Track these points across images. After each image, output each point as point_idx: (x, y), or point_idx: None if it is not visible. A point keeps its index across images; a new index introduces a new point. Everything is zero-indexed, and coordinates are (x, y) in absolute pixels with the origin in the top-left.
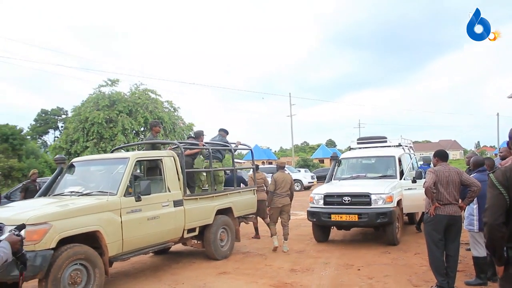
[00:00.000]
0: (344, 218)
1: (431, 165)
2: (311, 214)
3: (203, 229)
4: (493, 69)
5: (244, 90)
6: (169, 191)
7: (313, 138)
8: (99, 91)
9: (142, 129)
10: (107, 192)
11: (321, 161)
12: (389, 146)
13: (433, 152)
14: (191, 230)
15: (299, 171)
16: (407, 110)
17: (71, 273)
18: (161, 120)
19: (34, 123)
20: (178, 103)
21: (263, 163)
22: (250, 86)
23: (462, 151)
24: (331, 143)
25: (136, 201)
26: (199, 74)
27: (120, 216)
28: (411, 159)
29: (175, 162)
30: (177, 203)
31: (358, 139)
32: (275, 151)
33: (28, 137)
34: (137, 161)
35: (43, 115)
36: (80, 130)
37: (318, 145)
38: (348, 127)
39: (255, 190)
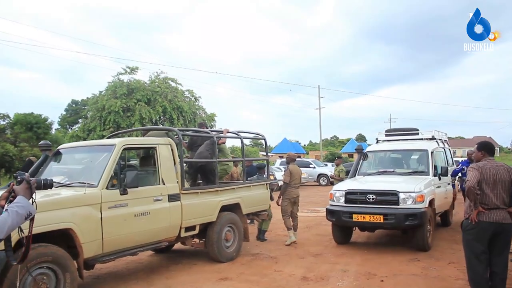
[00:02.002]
0: (368, 218)
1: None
2: (330, 213)
3: (206, 227)
4: None
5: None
6: (163, 184)
7: (343, 133)
8: (118, 79)
9: (160, 118)
10: (86, 184)
11: (351, 155)
12: (421, 139)
13: (473, 147)
14: (190, 228)
15: (326, 165)
16: (440, 105)
17: (36, 278)
18: (180, 109)
19: (64, 113)
20: (201, 94)
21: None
22: (281, 80)
23: (498, 149)
24: (361, 138)
25: (121, 194)
26: (229, 67)
27: (101, 211)
28: (445, 153)
29: (172, 150)
30: (173, 198)
31: (386, 131)
32: (304, 145)
33: (58, 127)
34: (124, 148)
35: (74, 105)
36: (97, 119)
37: (348, 140)
38: (379, 122)
39: (268, 184)
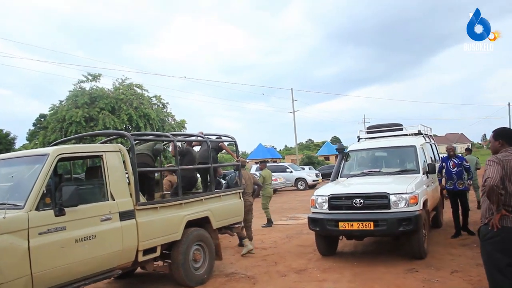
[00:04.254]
0: (356, 226)
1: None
2: (313, 222)
3: (169, 247)
4: (498, 62)
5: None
6: (113, 200)
7: (318, 136)
8: (79, 87)
9: (125, 127)
10: (7, 205)
11: (327, 158)
12: (406, 135)
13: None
14: (150, 250)
15: (303, 169)
16: (412, 104)
17: None
18: (147, 117)
19: (32, 128)
20: (172, 102)
21: (267, 161)
22: (252, 85)
23: (470, 144)
24: (336, 140)
25: (56, 215)
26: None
27: (28, 239)
28: (432, 149)
29: (123, 159)
30: (126, 216)
31: (368, 128)
32: (280, 150)
33: (26, 142)
34: (60, 159)
35: (42, 119)
36: (58, 131)
37: (323, 143)
38: (353, 123)
39: (241, 193)
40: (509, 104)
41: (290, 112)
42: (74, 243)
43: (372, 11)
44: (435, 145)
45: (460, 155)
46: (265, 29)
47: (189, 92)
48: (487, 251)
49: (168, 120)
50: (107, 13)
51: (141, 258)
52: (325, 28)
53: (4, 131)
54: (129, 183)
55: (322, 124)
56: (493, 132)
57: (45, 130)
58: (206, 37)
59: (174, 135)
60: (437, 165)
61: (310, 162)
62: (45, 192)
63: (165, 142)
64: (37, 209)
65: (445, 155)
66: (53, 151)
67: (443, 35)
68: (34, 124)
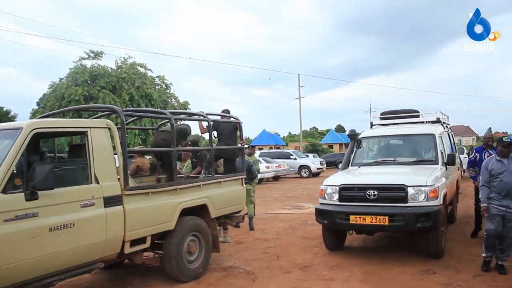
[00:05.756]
0: (369, 220)
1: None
2: (321, 214)
3: (161, 237)
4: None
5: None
6: (97, 183)
7: (322, 124)
8: (80, 65)
9: (126, 107)
10: None
11: (330, 146)
12: (423, 122)
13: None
14: (138, 241)
15: (307, 156)
16: (418, 95)
17: None
18: (149, 97)
19: (36, 107)
20: (176, 86)
21: (270, 148)
22: (258, 69)
23: (475, 137)
24: (340, 129)
25: (27, 200)
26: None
27: None
28: (450, 139)
29: (111, 137)
30: (111, 201)
31: (381, 114)
32: (284, 137)
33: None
34: (36, 133)
35: (45, 98)
36: (57, 109)
37: (327, 131)
38: (359, 112)
39: (243, 180)
40: None
41: (296, 98)
42: (47, 232)
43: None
44: (452, 135)
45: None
46: (273, 15)
47: (194, 74)
48: None
49: (171, 101)
50: None
51: (127, 249)
52: (333, 16)
53: (5, 109)
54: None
55: (326, 112)
56: None
57: (43, 108)
58: (212, 21)
59: (173, 113)
60: (462, 156)
61: (314, 149)
62: (15, 172)
63: None
64: (3, 191)
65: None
66: (27, 125)
67: (451, 27)
68: (37, 104)
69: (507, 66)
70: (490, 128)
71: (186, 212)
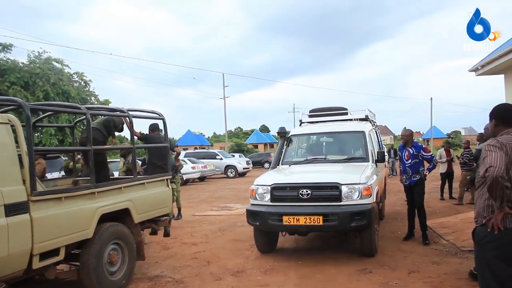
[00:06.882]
0: (303, 221)
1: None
2: (252, 215)
3: (78, 247)
4: (416, 59)
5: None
6: None
7: (247, 124)
8: None
9: None
10: None
11: (255, 146)
12: (352, 120)
13: None
14: (49, 253)
15: (233, 156)
16: (339, 95)
17: None
18: (67, 95)
19: None
20: (98, 85)
21: (195, 148)
22: (182, 67)
23: (392, 136)
24: (265, 129)
25: None
26: (129, 59)
27: None
28: (378, 136)
29: (13, 134)
30: (14, 209)
31: (310, 111)
32: (209, 137)
33: None
34: None
35: None
36: None
37: (252, 131)
38: (281, 113)
39: (168, 181)
40: (431, 98)
41: (221, 98)
42: None
43: (303, 3)
44: (379, 132)
45: (419, 144)
46: (197, 15)
47: (116, 73)
48: (485, 258)
49: (91, 99)
50: None
51: (36, 264)
52: (256, 17)
53: None
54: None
55: (251, 112)
56: (492, 112)
57: None
58: (134, 19)
59: (88, 108)
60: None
61: (239, 149)
62: None
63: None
64: None
65: None
66: None
67: (369, 31)
68: None
69: (418, 68)
70: (405, 127)
71: (106, 218)
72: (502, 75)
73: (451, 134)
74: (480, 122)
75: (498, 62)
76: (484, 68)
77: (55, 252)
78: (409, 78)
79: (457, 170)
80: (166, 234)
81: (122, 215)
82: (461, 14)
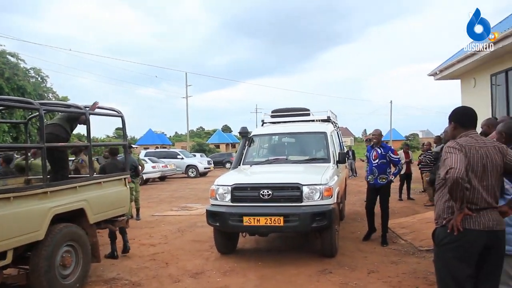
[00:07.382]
0: (263, 221)
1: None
2: (212, 216)
3: (28, 249)
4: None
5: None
6: None
7: (209, 124)
8: None
9: None
10: None
11: (217, 146)
12: (314, 121)
13: None
14: None
15: (194, 155)
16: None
17: None
18: (22, 90)
19: None
20: (58, 83)
21: (156, 147)
22: (145, 65)
23: (353, 138)
24: (227, 129)
25: None
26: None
27: None
28: (339, 137)
29: None
30: None
31: (273, 111)
32: (170, 136)
33: None
34: None
35: None
36: None
37: (214, 131)
38: (244, 113)
39: (126, 179)
40: (391, 101)
41: (183, 97)
42: None
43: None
44: (340, 133)
45: (388, 145)
46: (161, 13)
47: (76, 69)
48: (445, 259)
49: (48, 96)
50: None
51: None
52: (220, 17)
53: None
54: None
55: (213, 112)
56: (451, 114)
57: None
58: (95, 15)
59: (42, 104)
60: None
61: (201, 149)
62: None
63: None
64: None
65: None
66: None
67: (332, 34)
68: None
69: (379, 71)
70: (376, 129)
71: (60, 218)
72: (459, 80)
73: (409, 137)
74: (437, 125)
75: (455, 67)
76: (442, 73)
77: (1, 255)
78: (371, 81)
79: (415, 171)
80: (126, 251)
81: (76, 216)
82: (421, 20)
